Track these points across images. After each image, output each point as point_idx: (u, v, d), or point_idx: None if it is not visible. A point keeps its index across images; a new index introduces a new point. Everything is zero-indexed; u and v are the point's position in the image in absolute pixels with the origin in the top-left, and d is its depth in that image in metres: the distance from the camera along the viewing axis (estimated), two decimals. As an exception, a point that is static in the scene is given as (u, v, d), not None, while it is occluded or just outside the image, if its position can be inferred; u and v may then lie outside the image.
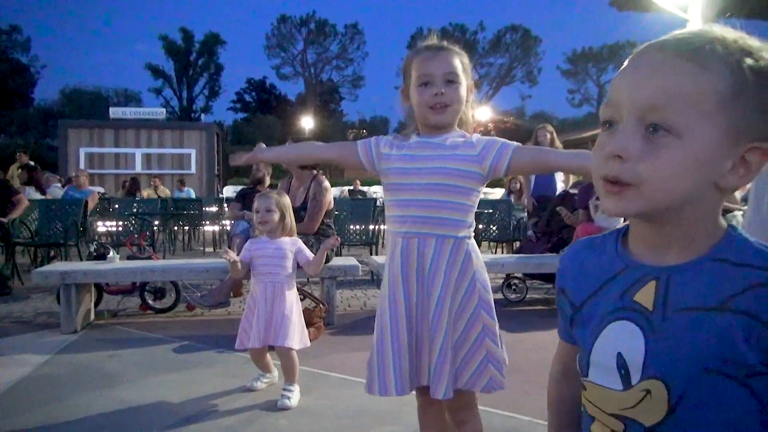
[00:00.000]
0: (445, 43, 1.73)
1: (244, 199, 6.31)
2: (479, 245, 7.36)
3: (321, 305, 4.39)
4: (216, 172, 25.41)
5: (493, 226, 7.71)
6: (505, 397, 3.02)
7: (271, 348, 3.03)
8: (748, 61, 0.67)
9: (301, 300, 4.41)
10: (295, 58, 57.75)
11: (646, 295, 0.73)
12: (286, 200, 3.17)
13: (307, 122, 36.29)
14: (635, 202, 0.70)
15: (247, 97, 58.98)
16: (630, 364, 0.73)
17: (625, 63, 0.75)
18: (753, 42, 0.70)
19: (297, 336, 3.00)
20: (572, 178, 7.15)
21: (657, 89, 0.68)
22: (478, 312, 1.66)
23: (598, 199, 5.08)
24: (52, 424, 2.69)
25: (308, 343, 3.09)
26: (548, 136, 6.60)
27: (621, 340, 0.74)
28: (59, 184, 10.58)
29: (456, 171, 1.62)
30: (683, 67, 0.68)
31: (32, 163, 9.65)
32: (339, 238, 3.10)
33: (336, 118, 57.21)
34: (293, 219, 3.19)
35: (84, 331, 4.38)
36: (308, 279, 5.79)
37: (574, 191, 6.12)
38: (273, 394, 3.06)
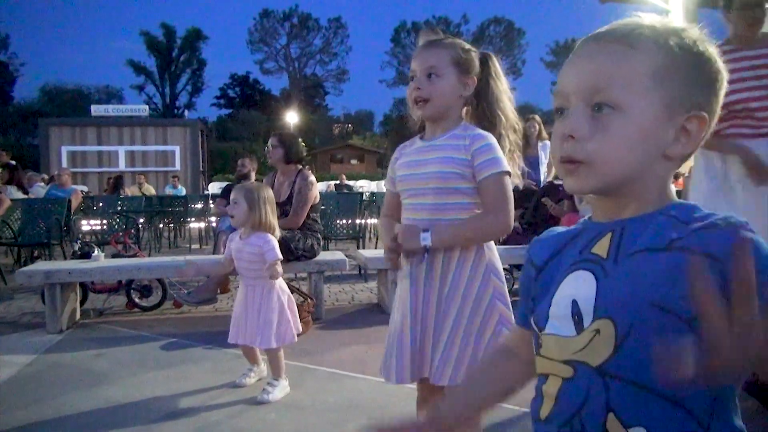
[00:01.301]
0: (443, 36, 1.73)
1: (230, 196, 6.30)
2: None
3: (309, 300, 4.39)
4: (201, 168, 25.24)
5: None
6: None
7: None
8: (675, 39, 0.75)
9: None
10: (279, 53, 57.52)
11: (602, 246, 0.78)
12: (263, 193, 3.01)
13: (291, 117, 36.13)
14: (590, 179, 0.76)
15: (231, 93, 58.63)
16: (583, 309, 0.76)
17: (569, 56, 0.81)
18: (677, 24, 0.78)
19: (278, 335, 2.95)
20: (554, 170, 7.20)
21: (596, 72, 0.75)
22: (494, 303, 1.68)
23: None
24: (39, 424, 2.67)
25: (295, 339, 3.05)
26: (536, 127, 6.65)
27: (576, 288, 0.78)
28: (42, 183, 10.46)
29: (453, 174, 1.64)
30: (617, 50, 0.75)
31: (13, 162, 9.52)
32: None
33: (321, 112, 57.04)
34: (268, 213, 3.00)
35: (70, 330, 4.35)
36: (296, 274, 5.79)
37: (559, 182, 6.16)
38: (261, 389, 3.06)
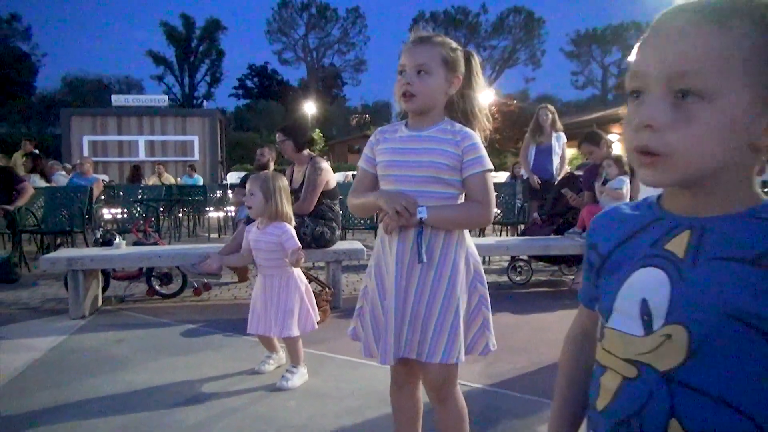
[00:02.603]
0: (432, 34, 1.76)
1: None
2: (483, 228, 7.30)
3: (327, 289, 4.41)
4: (219, 158, 25.40)
5: (498, 209, 7.70)
6: (510, 377, 3.05)
7: None
8: None
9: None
10: (297, 43, 57.50)
11: (678, 244, 0.73)
12: (279, 183, 3.01)
13: (309, 108, 36.14)
14: (669, 173, 0.70)
15: (249, 83, 58.86)
16: (653, 310, 0.72)
17: (647, 31, 0.73)
18: None
19: (299, 324, 2.98)
20: (567, 163, 7.12)
21: (683, 55, 0.67)
22: (474, 285, 1.78)
23: (603, 183, 5.06)
24: (62, 406, 2.73)
25: (315, 326, 3.07)
26: (549, 116, 6.57)
27: (647, 286, 0.74)
28: (64, 172, 10.60)
29: (444, 165, 1.70)
30: (707, 29, 0.66)
31: (36, 151, 9.66)
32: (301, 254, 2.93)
33: (338, 103, 57.05)
34: (284, 202, 3.01)
35: (92, 316, 4.42)
36: (314, 263, 5.82)
37: (579, 173, 6.10)
38: (280, 376, 3.09)
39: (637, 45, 0.74)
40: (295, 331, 2.95)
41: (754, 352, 0.66)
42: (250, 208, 2.99)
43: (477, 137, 1.75)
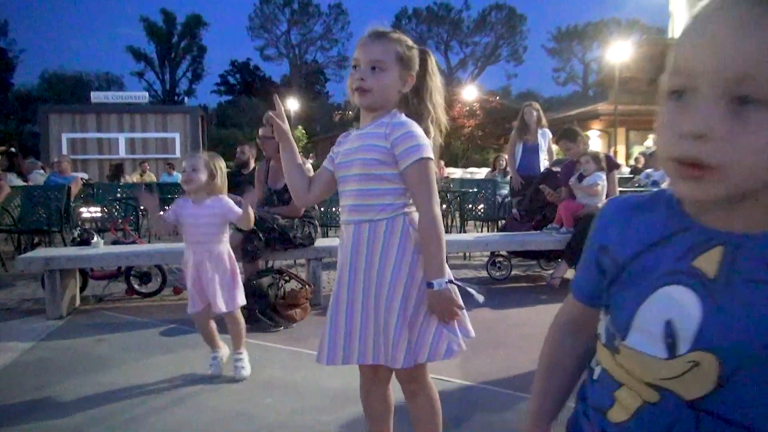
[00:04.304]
0: (389, 30, 1.75)
1: (229, 183, 6.30)
2: (465, 224, 7.35)
3: (307, 286, 4.42)
4: (201, 155, 25.19)
5: (479, 205, 7.76)
6: (489, 372, 3.09)
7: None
8: None
9: (287, 281, 4.44)
10: (279, 39, 57.09)
11: (709, 261, 0.66)
12: (222, 163, 3.09)
13: (292, 104, 35.94)
14: (717, 188, 0.61)
15: (231, 80, 58.35)
16: (679, 333, 0.66)
17: (693, 21, 0.63)
18: None
19: (238, 296, 3.04)
20: (555, 157, 7.19)
21: (745, 54, 0.57)
22: (425, 284, 1.69)
23: (579, 179, 5.12)
24: (40, 408, 2.71)
25: (244, 301, 3.12)
26: (535, 114, 6.61)
27: (673, 306, 0.67)
28: (41, 171, 10.46)
29: (373, 161, 1.67)
30: None
31: (13, 149, 9.52)
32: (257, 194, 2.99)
33: (321, 99, 56.80)
34: (224, 180, 3.09)
35: (70, 316, 4.38)
36: (294, 261, 5.82)
37: (557, 169, 6.17)
38: (262, 373, 3.10)
39: (682, 33, 0.63)
40: (238, 303, 3.02)
41: None
42: (189, 182, 2.95)
43: (413, 125, 1.68)
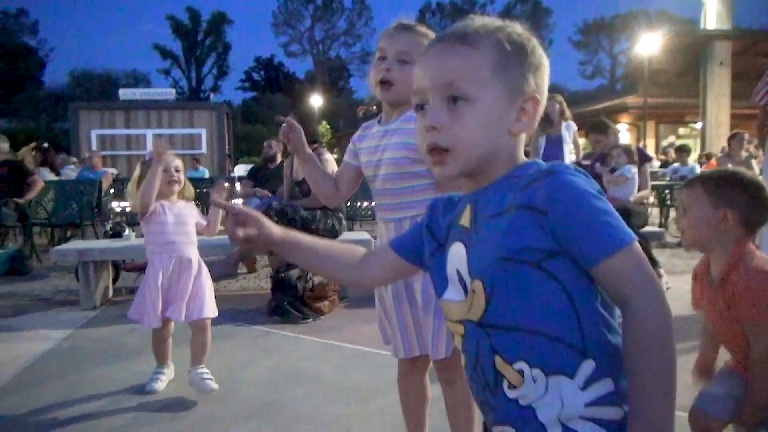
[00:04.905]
0: (416, 23, 1.70)
1: (256, 177, 6.36)
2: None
3: (334, 279, 4.43)
4: (227, 151, 25.45)
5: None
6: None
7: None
8: (502, 35, 0.89)
9: (315, 274, 4.46)
10: (303, 36, 57.35)
11: (465, 218, 0.92)
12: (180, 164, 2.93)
13: (316, 100, 36.11)
14: (456, 164, 0.89)
15: (256, 76, 58.81)
16: (463, 276, 0.90)
17: (419, 60, 0.94)
18: (503, 22, 0.92)
19: (212, 305, 2.87)
20: (582, 151, 7.09)
21: (448, 70, 0.87)
22: None
23: (611, 171, 5.05)
24: (75, 396, 2.77)
25: (216, 312, 2.90)
26: (557, 106, 6.52)
27: (455, 258, 0.92)
28: (73, 166, 10.67)
29: (405, 160, 1.64)
30: (461, 50, 0.88)
31: (46, 144, 9.72)
32: (225, 184, 2.78)
33: (345, 95, 56.90)
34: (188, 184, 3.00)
35: (103, 307, 4.47)
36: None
37: (586, 162, 6.08)
38: (292, 364, 3.12)
39: (416, 67, 0.94)
40: (212, 312, 2.85)
41: (532, 282, 0.82)
42: (176, 183, 2.85)
43: None
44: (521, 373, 0.84)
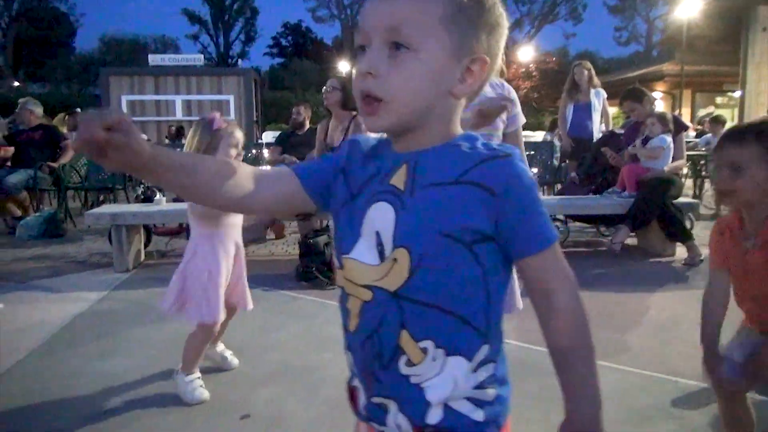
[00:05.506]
0: None
1: (284, 143, 6.36)
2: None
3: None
4: (255, 117, 25.52)
5: (534, 168, 7.58)
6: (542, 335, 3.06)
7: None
8: None
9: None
10: (331, 0, 56.63)
11: (399, 179, 0.84)
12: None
13: (344, 66, 35.82)
14: (389, 116, 0.82)
15: (284, 42, 58.44)
16: (384, 240, 0.83)
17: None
18: None
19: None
20: (612, 121, 6.92)
21: (395, 14, 0.80)
22: None
23: (644, 142, 4.91)
24: (112, 354, 2.86)
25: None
26: (585, 73, 6.35)
27: (377, 219, 0.84)
28: (104, 131, 10.81)
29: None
30: None
31: (79, 109, 9.86)
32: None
33: (373, 61, 56.28)
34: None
35: (135, 270, 4.57)
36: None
37: (620, 131, 5.94)
38: (318, 329, 3.16)
39: (362, 8, 0.86)
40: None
41: (461, 263, 0.81)
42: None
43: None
44: (424, 351, 0.82)
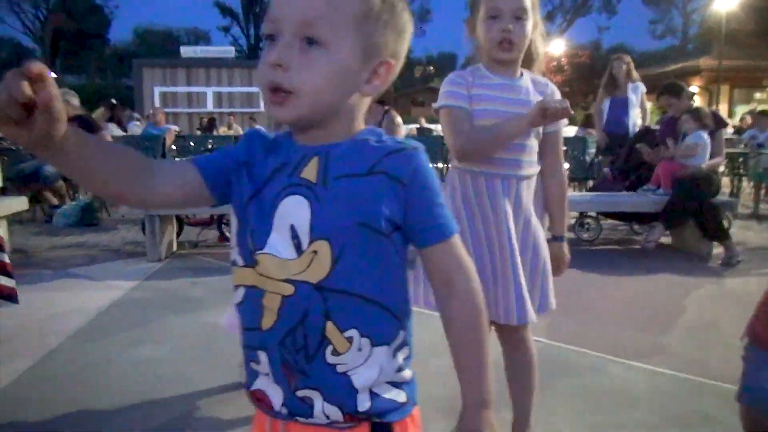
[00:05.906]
0: None
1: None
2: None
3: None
4: (284, 110, 25.70)
5: (566, 163, 7.47)
6: (573, 334, 3.02)
7: None
8: None
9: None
10: (361, -7, 56.57)
11: (310, 171, 0.84)
12: None
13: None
14: (297, 109, 0.81)
15: (313, 34, 58.69)
16: (300, 233, 0.82)
17: None
18: None
19: None
20: (649, 116, 6.76)
21: (308, 8, 0.79)
22: (545, 243, 1.76)
23: (675, 140, 4.79)
24: (144, 341, 2.91)
25: None
26: (624, 67, 6.20)
27: (292, 212, 0.83)
28: (137, 122, 11.00)
29: None
30: None
31: (114, 101, 10.04)
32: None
33: (402, 54, 56.07)
34: None
35: (168, 260, 4.64)
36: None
37: (655, 127, 5.82)
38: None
39: None
40: None
41: (380, 252, 0.83)
42: None
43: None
44: (350, 340, 0.84)
